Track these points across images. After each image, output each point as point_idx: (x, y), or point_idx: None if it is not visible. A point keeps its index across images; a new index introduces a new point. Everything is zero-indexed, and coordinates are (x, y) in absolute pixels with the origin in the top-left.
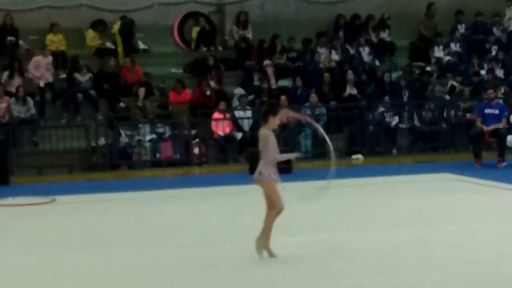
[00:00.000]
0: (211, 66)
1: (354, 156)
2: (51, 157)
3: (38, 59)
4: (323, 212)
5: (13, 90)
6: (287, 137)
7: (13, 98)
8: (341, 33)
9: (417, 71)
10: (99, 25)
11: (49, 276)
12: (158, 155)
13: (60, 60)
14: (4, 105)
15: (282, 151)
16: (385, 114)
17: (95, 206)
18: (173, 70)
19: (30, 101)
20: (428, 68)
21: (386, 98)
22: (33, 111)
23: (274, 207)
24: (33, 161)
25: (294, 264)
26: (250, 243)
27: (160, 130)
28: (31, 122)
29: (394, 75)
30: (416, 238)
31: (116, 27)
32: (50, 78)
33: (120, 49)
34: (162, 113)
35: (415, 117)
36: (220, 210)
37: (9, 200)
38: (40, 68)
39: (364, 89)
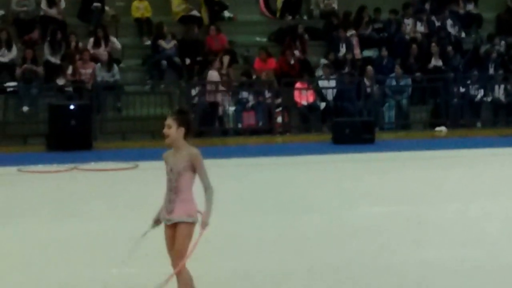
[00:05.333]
0: (299, 34)
1: (437, 128)
2: (134, 123)
3: None
4: (406, 183)
5: (99, 56)
6: (370, 108)
7: (99, 64)
8: (427, 5)
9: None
10: None
11: (129, 240)
12: (239, 125)
13: (145, 26)
14: (89, 70)
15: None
16: (470, 86)
17: None
18: (257, 38)
19: (115, 67)
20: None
21: (475, 73)
22: (117, 76)
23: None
24: (117, 126)
25: (377, 234)
26: (332, 213)
27: (244, 98)
28: (115, 88)
29: (482, 48)
30: (499, 212)
31: None
32: None
33: (205, 17)
34: (246, 81)
35: (500, 90)
36: (302, 180)
37: (92, 165)
38: None
39: (449, 61)
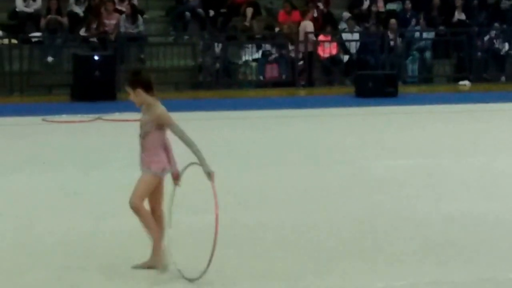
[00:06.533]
0: None
1: (461, 82)
2: (158, 74)
3: None
4: (429, 137)
5: (123, 8)
6: (393, 61)
7: (123, 15)
8: None
9: None
10: None
11: None
12: (261, 77)
13: None
14: (113, 21)
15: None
16: (495, 40)
17: (201, 123)
18: None
19: (139, 18)
20: None
21: (496, 24)
22: (141, 28)
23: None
24: None
25: (400, 187)
26: (354, 165)
27: (267, 50)
28: (138, 39)
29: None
30: None
31: None
32: None
33: None
34: (268, 34)
35: None
36: (324, 132)
37: (116, 116)
38: None
39: (474, 15)
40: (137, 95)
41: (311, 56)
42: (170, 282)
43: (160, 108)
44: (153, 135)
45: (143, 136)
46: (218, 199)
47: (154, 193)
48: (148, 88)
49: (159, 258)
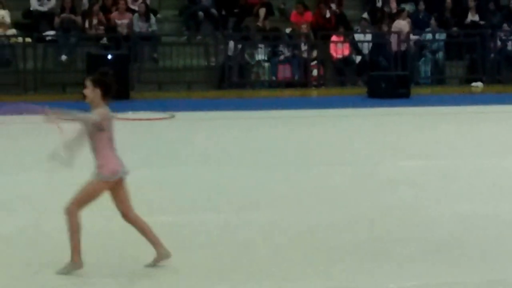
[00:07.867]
0: None
1: (474, 84)
2: (171, 74)
3: None
4: (441, 138)
5: (136, 8)
6: (406, 63)
7: (136, 14)
8: None
9: None
10: None
11: (171, 189)
12: (274, 78)
13: None
14: (125, 21)
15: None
16: (507, 42)
17: (213, 123)
18: None
19: (152, 17)
20: None
21: (505, 25)
22: (154, 27)
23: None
24: (153, 77)
25: (412, 188)
26: (366, 166)
27: (279, 50)
28: (152, 39)
29: None
30: None
31: None
32: None
33: None
34: (280, 34)
35: None
36: (337, 132)
37: (130, 115)
38: None
39: (487, 17)
40: (94, 93)
41: (407, 55)
42: (172, 280)
43: (99, 110)
44: (97, 137)
45: (90, 137)
46: (228, 199)
47: (119, 197)
48: (107, 93)
49: (162, 249)
